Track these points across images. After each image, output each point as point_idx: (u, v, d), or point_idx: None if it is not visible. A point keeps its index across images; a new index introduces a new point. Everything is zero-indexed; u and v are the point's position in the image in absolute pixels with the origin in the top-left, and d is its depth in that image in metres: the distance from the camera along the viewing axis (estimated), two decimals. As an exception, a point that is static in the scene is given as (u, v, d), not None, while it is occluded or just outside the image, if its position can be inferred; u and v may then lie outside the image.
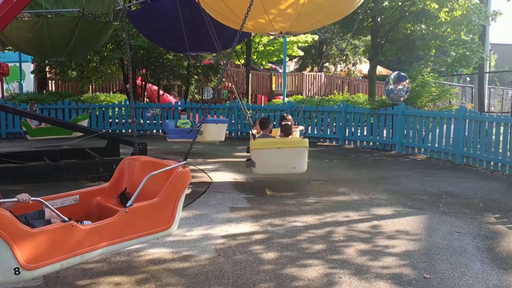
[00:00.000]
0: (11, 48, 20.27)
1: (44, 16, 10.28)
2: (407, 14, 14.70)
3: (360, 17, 12.71)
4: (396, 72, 12.05)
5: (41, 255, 2.96)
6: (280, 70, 29.14)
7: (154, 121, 14.78)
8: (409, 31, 15.87)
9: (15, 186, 6.84)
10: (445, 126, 10.27)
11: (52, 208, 3.18)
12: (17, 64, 21.36)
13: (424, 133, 10.78)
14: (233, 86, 24.81)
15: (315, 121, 13.12)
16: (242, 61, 21.25)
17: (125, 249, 4.36)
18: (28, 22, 10.87)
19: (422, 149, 10.87)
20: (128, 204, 3.48)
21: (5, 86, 18.39)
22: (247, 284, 3.71)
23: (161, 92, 22.17)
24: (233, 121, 14.30)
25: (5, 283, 3.45)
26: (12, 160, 7.46)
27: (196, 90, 21.08)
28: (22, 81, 21.43)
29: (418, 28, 15.33)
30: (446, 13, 14.57)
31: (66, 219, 3.15)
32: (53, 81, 22.76)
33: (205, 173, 8.40)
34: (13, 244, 2.80)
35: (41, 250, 2.96)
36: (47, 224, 3.19)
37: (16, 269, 2.85)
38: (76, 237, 3.14)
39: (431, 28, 14.79)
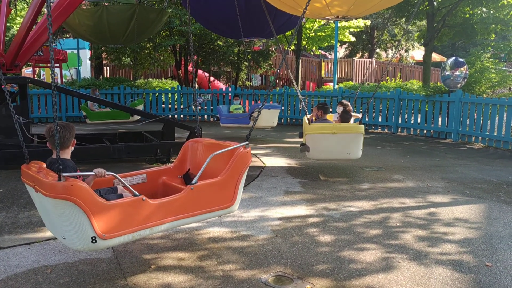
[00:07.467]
0: (69, 35, 21.14)
1: (103, 5, 10.66)
2: (466, -4, 14.13)
3: (416, 0, 12.33)
4: (453, 58, 11.63)
5: (115, 226, 3.15)
6: (329, 56, 28.78)
7: (205, 107, 15.03)
8: (467, 15, 15.24)
9: (79, 166, 7.17)
10: (505, 114, 9.86)
11: (125, 182, 3.36)
12: (75, 51, 22.29)
13: (482, 121, 10.40)
14: (282, 72, 24.79)
15: (367, 107, 12.90)
16: (292, 47, 21.13)
17: (186, 227, 4.54)
18: (89, 10, 11.31)
19: (480, 138, 10.51)
20: (193, 182, 3.62)
21: (63, 72, 19.23)
22: (305, 265, 3.78)
23: (211, 78, 22.50)
24: (283, 107, 14.30)
25: (83, 251, 3.69)
26: (75, 142, 7.85)
27: (246, 76, 21.23)
28: (79, 67, 22.35)
29: (478, 11, 14.70)
30: (509, -5, 13.90)
31: (137, 193, 3.32)
32: (108, 68, 23.59)
33: (258, 157, 8.51)
34: (91, 215, 3.00)
35: (115, 221, 3.15)
36: (120, 198, 3.38)
37: (93, 238, 3.05)
38: (146, 211, 3.32)
39: (492, 12, 14.15)
